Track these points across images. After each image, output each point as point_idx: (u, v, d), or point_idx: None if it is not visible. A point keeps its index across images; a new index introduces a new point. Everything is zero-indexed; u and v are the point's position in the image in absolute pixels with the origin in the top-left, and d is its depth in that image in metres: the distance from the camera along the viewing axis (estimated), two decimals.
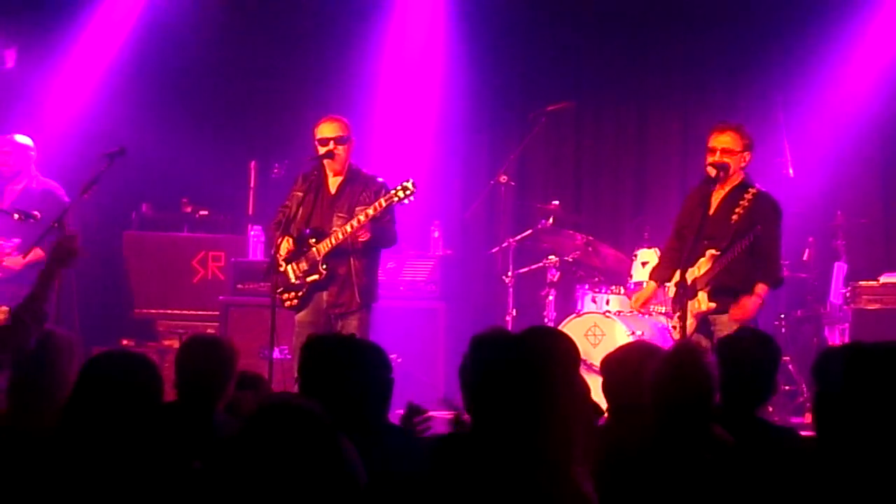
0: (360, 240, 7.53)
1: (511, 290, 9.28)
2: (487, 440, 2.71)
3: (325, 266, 7.58)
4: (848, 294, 8.99)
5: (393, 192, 7.48)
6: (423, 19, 10.84)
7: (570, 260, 9.32)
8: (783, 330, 9.10)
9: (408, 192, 7.46)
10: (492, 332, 4.37)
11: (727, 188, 7.10)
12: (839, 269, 9.29)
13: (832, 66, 9.84)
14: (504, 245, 9.41)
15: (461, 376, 4.19)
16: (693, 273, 6.97)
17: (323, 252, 7.57)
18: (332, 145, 7.64)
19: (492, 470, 2.66)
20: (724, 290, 6.98)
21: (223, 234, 10.01)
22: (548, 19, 10.70)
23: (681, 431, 3.75)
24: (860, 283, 9.00)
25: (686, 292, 6.81)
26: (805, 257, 9.40)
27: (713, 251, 6.94)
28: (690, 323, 7.00)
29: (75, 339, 5.23)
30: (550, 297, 9.37)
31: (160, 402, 3.27)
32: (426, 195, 8.63)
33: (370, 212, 7.48)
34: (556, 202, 9.53)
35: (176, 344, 9.18)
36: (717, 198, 7.08)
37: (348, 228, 7.50)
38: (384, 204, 7.47)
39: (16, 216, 8.22)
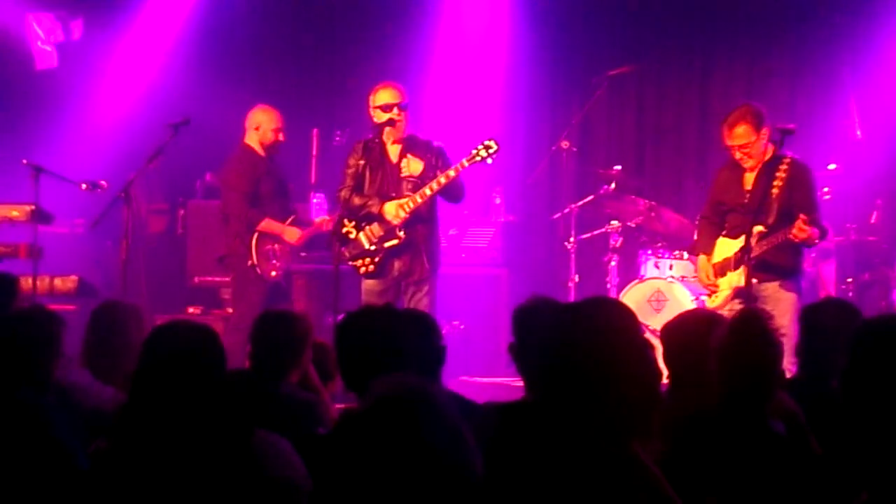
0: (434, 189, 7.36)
1: (573, 255, 9.25)
2: (544, 412, 2.68)
3: (402, 231, 7.48)
4: None
5: (475, 151, 7.36)
6: None
7: (633, 225, 9.27)
8: (850, 294, 8.98)
9: (491, 151, 7.34)
10: (533, 301, 4.25)
11: (760, 164, 7.13)
12: None
13: None
14: (566, 211, 9.37)
15: (510, 353, 4.16)
16: (737, 247, 7.04)
17: (402, 217, 7.45)
18: (395, 111, 7.51)
19: (551, 444, 2.64)
20: (766, 266, 7.00)
21: None
22: None
23: (746, 400, 3.70)
24: None
25: (748, 259, 6.82)
26: (873, 220, 9.28)
27: (760, 228, 6.94)
28: (727, 295, 7.02)
29: (142, 307, 5.33)
30: (613, 263, 9.33)
31: (223, 372, 3.31)
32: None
33: (451, 173, 7.36)
34: (618, 167, 9.47)
35: None
36: (752, 174, 7.13)
37: (427, 192, 7.39)
38: (466, 164, 7.35)
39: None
